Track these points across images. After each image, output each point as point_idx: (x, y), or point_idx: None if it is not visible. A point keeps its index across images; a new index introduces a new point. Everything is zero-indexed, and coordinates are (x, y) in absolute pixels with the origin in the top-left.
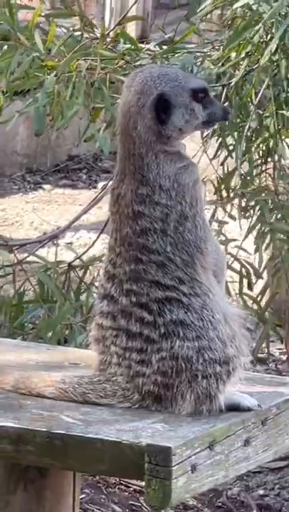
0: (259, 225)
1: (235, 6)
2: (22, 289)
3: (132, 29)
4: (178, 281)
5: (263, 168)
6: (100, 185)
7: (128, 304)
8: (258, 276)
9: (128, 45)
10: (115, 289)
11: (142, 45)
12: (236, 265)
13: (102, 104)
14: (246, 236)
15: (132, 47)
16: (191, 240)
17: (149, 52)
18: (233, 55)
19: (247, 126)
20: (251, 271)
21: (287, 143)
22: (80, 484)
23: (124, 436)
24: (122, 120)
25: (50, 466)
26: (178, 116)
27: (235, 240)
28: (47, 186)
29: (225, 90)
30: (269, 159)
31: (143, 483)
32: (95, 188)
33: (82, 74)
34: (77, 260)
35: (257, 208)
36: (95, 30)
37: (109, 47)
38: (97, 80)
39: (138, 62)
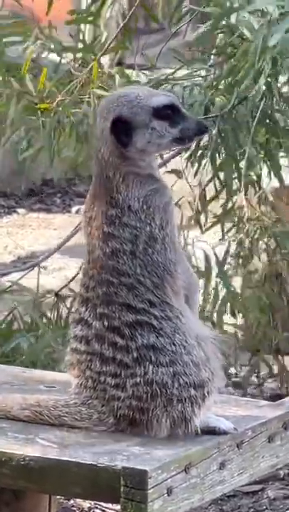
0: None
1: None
2: (9, 318)
3: (108, 55)
4: (148, 304)
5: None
6: (74, 209)
7: (101, 328)
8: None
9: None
10: (89, 313)
11: (135, 73)
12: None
13: None
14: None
15: (126, 80)
16: (161, 262)
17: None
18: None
19: (245, 156)
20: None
21: (267, 164)
22: (55, 508)
23: (100, 459)
24: (96, 144)
25: (25, 489)
26: (140, 137)
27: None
28: (21, 210)
29: (217, 121)
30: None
31: (118, 507)
32: (69, 212)
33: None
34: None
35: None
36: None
37: (101, 85)
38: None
39: None
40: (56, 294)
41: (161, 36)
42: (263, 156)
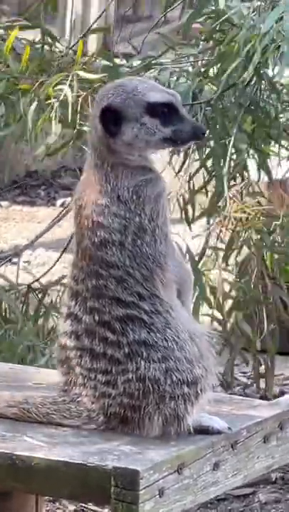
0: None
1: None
2: None
3: (93, 42)
4: (138, 297)
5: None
6: (59, 202)
7: (92, 323)
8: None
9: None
10: (79, 307)
11: (118, 61)
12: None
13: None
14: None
15: (110, 64)
16: (150, 253)
17: (125, 68)
18: (211, 70)
19: (230, 146)
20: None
21: (256, 159)
22: (43, 509)
23: (90, 458)
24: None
25: (12, 489)
26: (128, 130)
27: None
28: (4, 203)
29: (203, 108)
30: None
31: (104, 511)
32: (53, 205)
33: (61, 99)
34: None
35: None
36: (58, 44)
37: (84, 67)
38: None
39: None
40: (29, 287)
41: (149, 24)
42: (249, 145)
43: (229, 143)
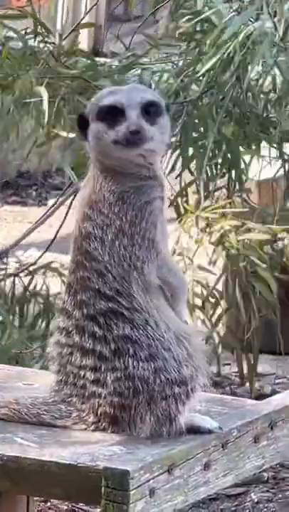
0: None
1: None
2: None
3: (84, 40)
4: (116, 292)
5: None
6: (51, 202)
7: (80, 317)
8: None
9: (83, 59)
10: (70, 301)
11: (98, 59)
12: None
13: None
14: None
15: (88, 61)
16: (127, 256)
17: (105, 67)
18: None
19: (209, 143)
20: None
21: (243, 159)
22: (33, 510)
23: (81, 459)
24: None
25: (3, 490)
26: (89, 135)
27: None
28: None
29: (185, 106)
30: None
31: (96, 510)
32: (45, 205)
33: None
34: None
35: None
36: (50, 35)
37: (62, 61)
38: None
39: (98, 82)
40: (15, 275)
41: (139, 24)
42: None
43: (209, 143)
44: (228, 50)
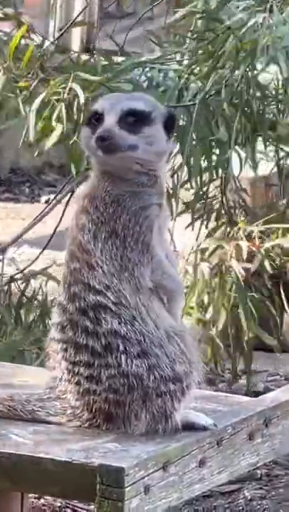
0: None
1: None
2: None
3: (77, 38)
4: (105, 287)
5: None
6: (44, 199)
7: (74, 311)
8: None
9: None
10: (65, 295)
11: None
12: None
13: None
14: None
15: (106, 63)
16: (118, 256)
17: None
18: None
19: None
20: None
21: (240, 154)
22: (27, 508)
23: (75, 455)
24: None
25: None
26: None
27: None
28: None
29: (191, 107)
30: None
31: (90, 507)
32: (38, 202)
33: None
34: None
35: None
36: (35, 37)
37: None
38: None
39: (117, 84)
40: (11, 278)
41: (133, 21)
42: (229, 140)
43: (211, 140)
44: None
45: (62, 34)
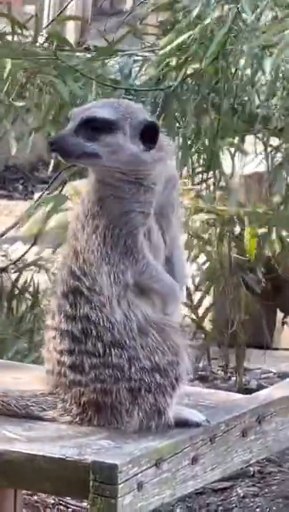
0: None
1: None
2: None
3: (70, 34)
4: (83, 273)
5: (204, 179)
6: (37, 196)
7: (60, 296)
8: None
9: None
10: (58, 279)
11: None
12: None
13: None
14: None
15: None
16: (99, 250)
17: (84, 53)
18: (174, 59)
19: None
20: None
21: (230, 152)
22: (21, 503)
23: (69, 452)
24: None
25: None
26: None
27: None
28: None
29: (163, 95)
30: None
31: (83, 504)
32: (31, 198)
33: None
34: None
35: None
36: (26, 32)
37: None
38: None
39: (73, 62)
40: (2, 270)
41: (127, 18)
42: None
43: (195, 134)
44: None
45: (49, 24)
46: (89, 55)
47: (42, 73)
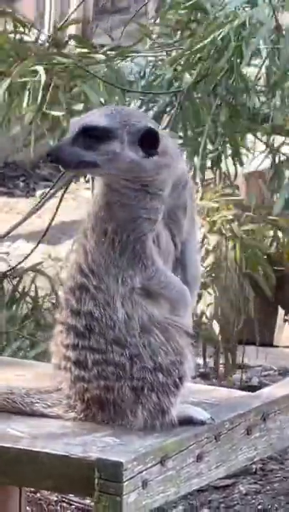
0: None
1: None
2: None
3: (71, 32)
4: (90, 271)
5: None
6: (38, 193)
7: (67, 291)
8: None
9: (80, 49)
10: (67, 275)
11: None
12: None
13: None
14: None
15: (85, 50)
16: (108, 253)
17: (101, 55)
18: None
19: (204, 137)
20: None
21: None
22: (25, 501)
23: (73, 450)
24: None
25: None
26: None
27: None
28: None
29: (178, 97)
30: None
31: (86, 501)
32: (32, 196)
33: (39, 80)
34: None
35: None
36: (30, 32)
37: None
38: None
39: (96, 68)
40: (4, 274)
41: (128, 16)
42: (222, 136)
43: (203, 133)
44: (221, 35)
45: (59, 28)
46: (103, 57)
47: (72, 81)
